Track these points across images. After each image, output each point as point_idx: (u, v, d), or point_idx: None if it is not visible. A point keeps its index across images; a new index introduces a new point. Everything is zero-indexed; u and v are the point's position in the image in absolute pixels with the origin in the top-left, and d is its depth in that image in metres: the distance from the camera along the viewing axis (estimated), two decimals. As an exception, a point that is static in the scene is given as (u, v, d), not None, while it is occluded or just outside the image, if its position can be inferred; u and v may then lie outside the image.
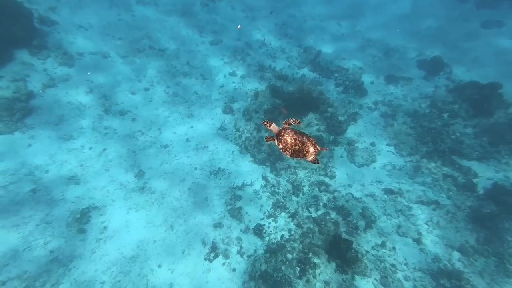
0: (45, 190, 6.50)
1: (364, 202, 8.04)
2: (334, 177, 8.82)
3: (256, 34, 14.07)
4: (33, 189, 6.41)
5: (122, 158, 7.88)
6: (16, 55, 9.40)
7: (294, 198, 8.16)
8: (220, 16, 14.71)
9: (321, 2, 17.52)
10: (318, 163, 3.65)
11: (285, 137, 3.65)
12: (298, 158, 3.67)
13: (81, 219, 6.17)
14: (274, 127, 3.87)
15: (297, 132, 3.77)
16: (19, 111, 7.79)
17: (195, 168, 8.39)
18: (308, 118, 10.28)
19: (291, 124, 4.08)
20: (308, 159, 3.64)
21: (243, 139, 9.47)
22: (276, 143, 3.77)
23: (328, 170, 8.99)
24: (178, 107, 9.96)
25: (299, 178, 8.72)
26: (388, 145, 9.69)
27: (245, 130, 9.64)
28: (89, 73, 9.90)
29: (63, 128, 7.99)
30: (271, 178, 8.64)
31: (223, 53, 12.53)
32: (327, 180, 8.71)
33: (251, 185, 8.35)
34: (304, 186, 8.49)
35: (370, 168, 9.05)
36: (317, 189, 8.43)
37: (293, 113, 10.11)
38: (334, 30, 15.32)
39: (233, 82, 11.35)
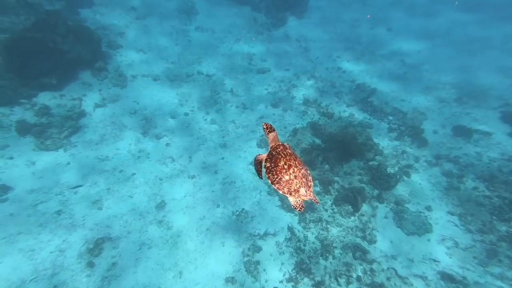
0: (69, 212, 6.61)
1: (412, 285, 6.49)
2: (375, 242, 7.43)
3: (307, 65, 13.50)
4: (58, 211, 6.57)
5: (147, 185, 7.78)
6: (79, 75, 10.35)
7: (322, 261, 7.01)
8: (272, 45, 14.60)
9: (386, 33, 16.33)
10: (301, 210, 2.89)
11: (280, 156, 2.91)
12: (280, 191, 2.86)
13: (93, 251, 6.04)
14: (273, 136, 3.12)
15: (298, 159, 2.96)
16: (67, 129, 8.34)
17: (218, 206, 7.88)
18: (349, 165, 9.12)
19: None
20: (291, 199, 2.88)
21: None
22: (265, 158, 3.04)
23: (368, 232, 7.64)
24: (212, 136, 9.74)
25: (331, 237, 7.56)
26: (450, 213, 7.93)
27: (278, 170, 8.90)
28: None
29: (101, 148, 8.29)
30: (298, 231, 7.65)
31: (269, 83, 12.19)
32: (365, 244, 7.37)
33: (274, 235, 7.47)
34: (335, 247, 7.29)
35: (423, 240, 7.42)
36: (351, 254, 7.15)
37: (333, 158, 9.08)
38: (395, 67, 13.94)
39: (274, 114, 10.82)
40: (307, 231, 7.66)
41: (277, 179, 2.88)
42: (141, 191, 7.57)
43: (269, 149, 3.08)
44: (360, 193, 8.37)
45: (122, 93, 10.31)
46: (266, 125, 3.17)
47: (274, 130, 3.17)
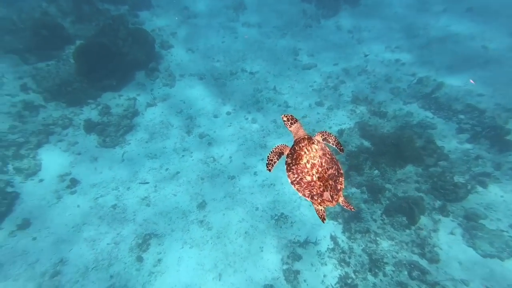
0: (123, 207, 7.24)
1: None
2: (437, 261, 6.51)
3: (357, 58, 12.41)
4: (114, 205, 7.24)
5: (190, 184, 8.08)
6: (135, 76, 11.17)
7: (370, 277, 6.43)
8: (321, 38, 13.76)
9: (459, 15, 14.04)
10: (323, 220, 2.51)
11: (302, 153, 2.51)
12: (300, 193, 2.49)
13: (142, 246, 6.52)
14: (296, 128, 2.72)
15: (328, 156, 2.53)
16: (123, 127, 9.10)
17: (257, 208, 7.80)
18: (404, 171, 8.15)
19: (328, 141, 2.79)
20: (314, 203, 2.51)
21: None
22: (285, 153, 2.69)
23: (428, 249, 6.74)
24: (253, 136, 9.64)
25: (381, 250, 6.88)
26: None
27: (321, 174, 8.41)
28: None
29: (151, 146, 8.86)
30: (342, 241, 7.14)
31: (314, 79, 11.54)
32: (424, 263, 6.52)
33: (315, 243, 7.11)
34: (386, 263, 6.61)
35: (507, 266, 6.25)
36: (406, 273, 6.40)
37: (384, 163, 8.22)
38: (473, 55, 11.88)
39: (318, 113, 10.21)
40: (352, 242, 7.11)
41: (297, 179, 2.52)
42: (184, 190, 7.89)
43: (294, 142, 2.69)
44: (417, 204, 7.43)
45: (171, 92, 10.84)
46: (286, 116, 2.76)
47: (296, 121, 2.75)
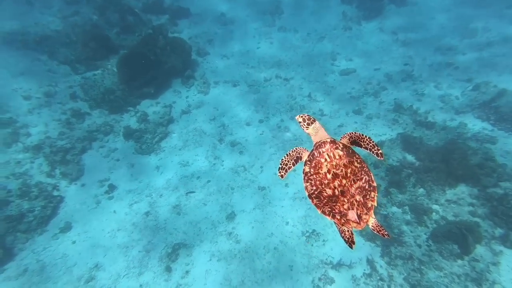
0: (155, 214, 7.41)
1: None
2: (493, 302, 5.63)
3: (401, 63, 11.42)
4: (147, 212, 7.44)
5: (220, 194, 8.03)
6: (172, 83, 11.54)
7: (410, 312, 5.76)
8: (361, 41, 12.98)
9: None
10: (351, 245, 2.06)
11: (322, 160, 2.08)
12: (319, 210, 2.07)
13: (171, 255, 6.58)
14: (315, 130, 2.29)
15: (356, 165, 2.08)
16: (159, 135, 9.40)
17: (287, 223, 7.46)
18: (456, 191, 7.23)
19: (359, 144, 2.30)
20: (339, 224, 2.06)
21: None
22: (304, 160, 2.27)
23: (486, 286, 5.85)
24: (285, 145, 9.31)
25: (427, 282, 6.12)
26: None
27: (358, 190, 7.79)
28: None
29: (184, 154, 9.00)
30: (381, 267, 6.50)
31: (352, 85, 10.86)
32: (477, 303, 5.67)
33: (349, 267, 6.57)
34: (432, 298, 5.87)
35: None
36: (455, 313, 5.61)
37: (430, 181, 7.38)
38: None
39: (355, 122, 9.56)
40: (392, 269, 6.44)
41: (315, 192, 2.09)
42: (214, 200, 7.85)
43: (314, 146, 2.26)
44: (471, 230, 6.51)
45: (205, 99, 10.97)
46: (302, 116, 2.33)
47: (314, 121, 2.31)
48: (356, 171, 2.09)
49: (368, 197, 2.08)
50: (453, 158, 7.34)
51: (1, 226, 6.44)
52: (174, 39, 12.01)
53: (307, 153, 2.31)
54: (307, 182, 2.15)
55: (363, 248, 6.86)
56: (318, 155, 2.15)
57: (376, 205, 2.09)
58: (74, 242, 6.72)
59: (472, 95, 9.43)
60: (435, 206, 7.13)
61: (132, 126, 9.62)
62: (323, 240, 7.08)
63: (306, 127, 2.35)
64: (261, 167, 8.78)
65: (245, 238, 7.12)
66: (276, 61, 12.61)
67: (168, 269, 6.39)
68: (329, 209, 2.07)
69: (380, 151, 2.29)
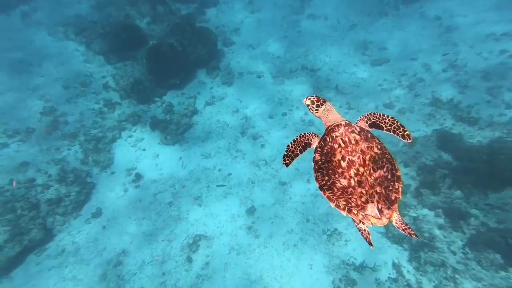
0: (177, 205, 7.61)
1: None
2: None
3: (446, 50, 10.34)
4: (170, 202, 7.66)
5: (240, 187, 8.01)
6: (197, 74, 11.59)
7: (439, 324, 5.38)
8: (398, 28, 11.98)
9: None
10: (371, 245, 1.72)
11: (336, 146, 1.83)
12: (332, 203, 1.78)
13: (192, 246, 6.74)
14: (326, 113, 2.05)
15: (375, 151, 1.81)
16: (183, 126, 9.54)
17: (307, 220, 7.27)
18: (500, 196, 6.54)
19: (380, 126, 2.02)
20: (356, 219, 1.75)
21: (380, 201, 7.26)
22: (314, 146, 2.04)
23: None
24: (311, 140, 8.99)
25: (459, 292, 5.67)
26: None
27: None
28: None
29: (206, 145, 9.08)
30: (408, 272, 6.12)
31: (385, 77, 10.11)
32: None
33: (373, 269, 6.27)
34: (465, 311, 5.43)
35: None
36: (490, 329, 5.14)
37: (469, 183, 6.73)
38: None
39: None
40: (421, 275, 6.04)
41: (327, 183, 1.83)
42: (235, 193, 7.87)
43: (325, 131, 2.02)
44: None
45: (229, 91, 10.90)
46: (310, 98, 2.10)
47: (324, 102, 2.08)
48: (377, 158, 1.82)
49: (391, 188, 1.77)
50: (499, 158, 6.57)
51: (43, 208, 7.02)
52: (200, 29, 11.97)
53: (318, 139, 2.07)
54: (317, 171, 1.91)
55: (389, 250, 6.50)
56: (330, 140, 1.91)
57: (401, 197, 1.77)
58: (104, 227, 7.14)
59: (527, 87, 8.33)
60: (474, 211, 6.50)
61: (158, 116, 9.86)
62: (345, 240, 6.81)
63: (316, 110, 2.11)
64: (284, 161, 8.57)
65: (264, 233, 7.07)
66: (303, 51, 12.10)
67: (189, 260, 6.56)
68: (344, 203, 1.77)
69: (407, 132, 1.97)
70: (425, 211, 6.83)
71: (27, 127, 8.60)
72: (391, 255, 6.41)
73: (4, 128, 8.41)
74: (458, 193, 6.82)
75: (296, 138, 2.14)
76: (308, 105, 2.14)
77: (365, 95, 9.70)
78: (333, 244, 6.78)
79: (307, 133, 2.15)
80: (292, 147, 2.12)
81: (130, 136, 9.21)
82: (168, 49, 10.75)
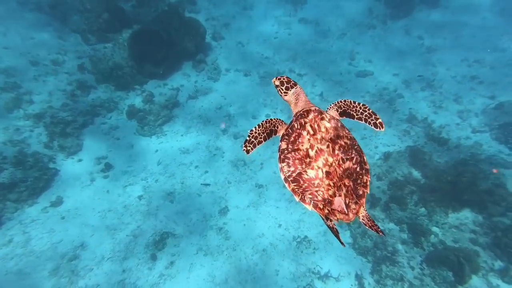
0: (148, 199, 7.33)
1: None
2: None
3: (423, 70, 10.77)
4: (140, 196, 7.36)
5: (216, 186, 7.88)
6: (182, 66, 11.21)
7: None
8: (384, 42, 12.23)
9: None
10: (342, 243, 1.59)
11: (303, 133, 1.71)
12: (297, 197, 1.67)
13: (158, 244, 6.51)
14: (296, 96, 1.94)
15: (345, 141, 1.72)
16: (162, 118, 9.21)
17: (279, 225, 7.30)
18: (458, 216, 6.92)
19: (351, 115, 1.95)
20: (322, 215, 1.62)
21: (350, 211, 7.42)
22: (280, 133, 1.93)
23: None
24: (290, 145, 9.02)
25: (415, 306, 5.94)
26: None
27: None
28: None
29: (185, 140, 8.82)
30: (369, 284, 6.32)
31: (367, 89, 10.35)
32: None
33: (337, 279, 6.41)
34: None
35: None
36: None
37: (434, 201, 7.06)
38: None
39: (364, 129, 9.12)
40: None
41: (293, 175, 1.71)
42: (209, 191, 7.72)
43: (293, 116, 1.91)
44: (469, 259, 6.24)
45: (214, 86, 10.66)
46: (280, 79, 1.98)
47: (295, 85, 1.98)
48: (346, 148, 1.71)
49: (359, 181, 1.68)
50: (461, 180, 6.96)
51: (-8, 193, 6.44)
52: (189, 19, 11.57)
53: (285, 127, 1.94)
54: (283, 161, 1.75)
55: (354, 261, 6.67)
56: (298, 127, 1.77)
57: (369, 192, 1.69)
58: (63, 218, 6.72)
59: (494, 114, 8.87)
60: (434, 229, 6.84)
61: (136, 105, 9.44)
62: (314, 248, 6.91)
63: (285, 92, 1.99)
64: (262, 163, 8.55)
65: (235, 235, 7.00)
66: (292, 54, 12.09)
67: (153, 258, 6.35)
68: (310, 196, 1.64)
69: (380, 120, 1.91)
70: (392, 225, 7.08)
71: (-17, 103, 7.90)
72: (355, 266, 6.59)
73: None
74: (422, 210, 7.14)
75: (261, 123, 1.97)
76: (277, 86, 1.99)
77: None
78: (302, 252, 6.86)
79: (274, 119, 2.01)
80: (255, 133, 1.97)
81: (104, 123, 8.74)
82: (153, 37, 10.30)
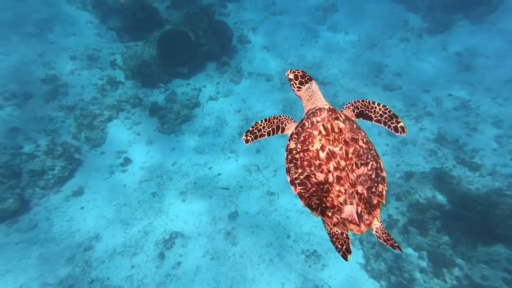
0: (161, 197, 7.45)
1: None
2: None
3: (458, 88, 10.10)
4: (154, 193, 7.49)
5: (228, 190, 7.84)
6: (206, 67, 11.39)
7: None
8: (417, 56, 11.67)
9: None
10: (346, 255, 1.43)
11: (319, 131, 1.55)
12: (303, 201, 1.56)
13: (167, 243, 6.56)
14: (310, 93, 1.78)
15: (360, 144, 1.57)
16: (182, 116, 9.37)
17: (288, 236, 7.10)
18: (490, 250, 6.32)
19: (369, 116, 1.77)
20: (330, 223, 1.48)
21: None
22: (289, 132, 1.78)
23: None
24: (308, 155, 8.80)
25: None
26: None
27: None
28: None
29: (202, 140, 8.90)
30: (378, 310, 5.95)
31: (393, 103, 9.87)
32: None
33: (346, 301, 6.10)
34: None
35: None
36: None
37: (459, 230, 6.52)
38: None
39: (387, 145, 8.72)
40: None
41: (300, 177, 1.60)
42: (220, 194, 7.70)
43: (304, 115, 1.79)
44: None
45: (235, 89, 10.70)
46: (294, 72, 1.82)
47: (310, 80, 1.83)
48: (361, 152, 1.58)
49: (374, 190, 1.52)
50: (495, 212, 6.37)
51: (24, 178, 6.86)
52: (218, 22, 11.76)
53: (294, 125, 1.81)
54: (291, 162, 1.65)
55: (365, 284, 6.33)
56: (310, 125, 1.64)
57: (384, 202, 1.54)
58: (82, 208, 6.99)
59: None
60: (459, 261, 6.30)
61: (159, 103, 9.69)
62: (323, 265, 6.64)
63: (298, 87, 1.84)
64: (275, 170, 8.41)
65: (242, 242, 6.91)
66: (317, 62, 11.87)
67: (162, 256, 6.41)
68: (318, 202, 1.52)
69: (401, 123, 1.72)
70: (410, 250, 6.63)
71: (26, 92, 8.46)
72: (366, 288, 6.24)
73: (3, 90, 8.27)
74: (446, 238, 6.62)
75: (268, 118, 1.89)
76: (290, 80, 1.86)
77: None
78: (310, 267, 6.61)
79: (282, 115, 1.92)
80: (260, 125, 1.89)
81: (127, 118, 9.05)
82: (182, 37, 10.57)
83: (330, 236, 1.55)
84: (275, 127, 1.90)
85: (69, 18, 11.32)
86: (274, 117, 1.92)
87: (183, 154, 8.49)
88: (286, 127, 1.88)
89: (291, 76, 1.86)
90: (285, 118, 1.93)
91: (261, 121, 1.91)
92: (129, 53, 10.69)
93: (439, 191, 7.24)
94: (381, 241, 1.51)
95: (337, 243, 1.51)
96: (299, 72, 1.85)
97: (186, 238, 6.80)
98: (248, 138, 1.89)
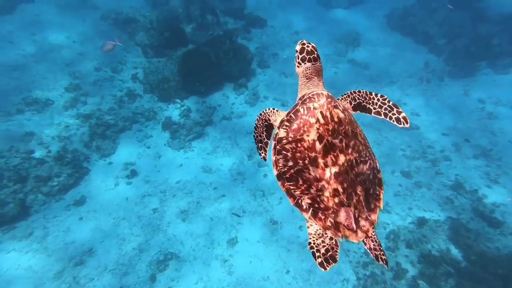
0: (161, 214, 7.31)
1: None
2: None
3: (480, 136, 9.74)
4: (155, 209, 7.37)
5: (230, 213, 7.62)
6: (223, 87, 11.60)
7: None
8: (437, 98, 11.47)
9: None
10: (327, 264, 1.23)
11: (316, 119, 1.36)
12: (291, 200, 1.33)
13: (160, 264, 6.31)
14: (312, 71, 1.54)
15: (360, 139, 1.42)
16: (193, 133, 9.42)
17: (287, 272, 6.69)
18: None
19: (367, 109, 1.57)
20: (323, 227, 1.27)
21: (368, 274, 6.61)
22: (280, 120, 1.53)
23: None
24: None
25: None
26: None
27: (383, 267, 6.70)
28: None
29: (210, 160, 8.84)
30: None
31: (409, 143, 9.59)
32: None
33: None
34: None
35: None
36: None
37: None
38: None
39: (400, 185, 8.34)
40: None
41: (290, 170, 1.39)
42: (222, 217, 7.49)
43: (298, 100, 1.58)
44: None
45: (249, 111, 10.75)
46: (304, 44, 1.59)
47: (317, 59, 1.59)
48: (361, 148, 1.42)
49: (372, 192, 1.36)
50: (514, 274, 5.83)
51: (29, 183, 6.86)
52: (240, 45, 12.12)
53: (282, 114, 1.64)
54: (279, 154, 1.45)
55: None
56: (305, 112, 1.45)
57: (382, 207, 1.35)
58: (81, 219, 6.91)
59: None
60: (471, 325, 5.72)
61: (173, 118, 9.83)
62: (320, 308, 6.17)
63: (299, 63, 1.63)
64: (281, 198, 8.15)
65: (239, 271, 6.58)
66: (334, 92, 11.80)
67: (153, 279, 6.14)
68: (309, 201, 1.33)
69: (403, 114, 1.54)
70: (418, 306, 6.11)
71: (47, 98, 8.80)
72: None
73: (25, 95, 8.65)
74: (459, 299, 6.07)
75: (255, 124, 1.75)
76: (296, 51, 1.64)
77: (384, 156, 9.18)
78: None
79: (264, 110, 1.74)
80: (256, 136, 1.79)
81: (140, 131, 9.17)
82: (203, 57, 10.90)
83: (312, 238, 1.32)
84: (265, 128, 1.78)
85: (100, 33, 11.98)
86: (257, 119, 1.80)
87: (190, 172, 8.42)
88: (272, 120, 1.72)
89: (298, 47, 1.66)
90: (267, 111, 1.77)
91: (254, 131, 1.82)
92: (151, 68, 11.07)
93: (454, 244, 6.75)
94: (371, 254, 1.30)
95: (320, 247, 1.29)
96: (308, 46, 1.63)
97: (180, 261, 6.54)
98: (261, 153, 1.79)
